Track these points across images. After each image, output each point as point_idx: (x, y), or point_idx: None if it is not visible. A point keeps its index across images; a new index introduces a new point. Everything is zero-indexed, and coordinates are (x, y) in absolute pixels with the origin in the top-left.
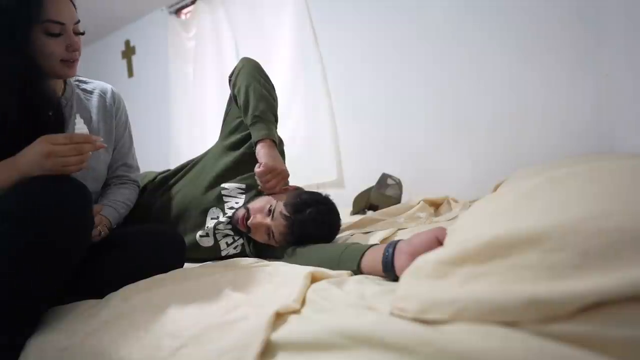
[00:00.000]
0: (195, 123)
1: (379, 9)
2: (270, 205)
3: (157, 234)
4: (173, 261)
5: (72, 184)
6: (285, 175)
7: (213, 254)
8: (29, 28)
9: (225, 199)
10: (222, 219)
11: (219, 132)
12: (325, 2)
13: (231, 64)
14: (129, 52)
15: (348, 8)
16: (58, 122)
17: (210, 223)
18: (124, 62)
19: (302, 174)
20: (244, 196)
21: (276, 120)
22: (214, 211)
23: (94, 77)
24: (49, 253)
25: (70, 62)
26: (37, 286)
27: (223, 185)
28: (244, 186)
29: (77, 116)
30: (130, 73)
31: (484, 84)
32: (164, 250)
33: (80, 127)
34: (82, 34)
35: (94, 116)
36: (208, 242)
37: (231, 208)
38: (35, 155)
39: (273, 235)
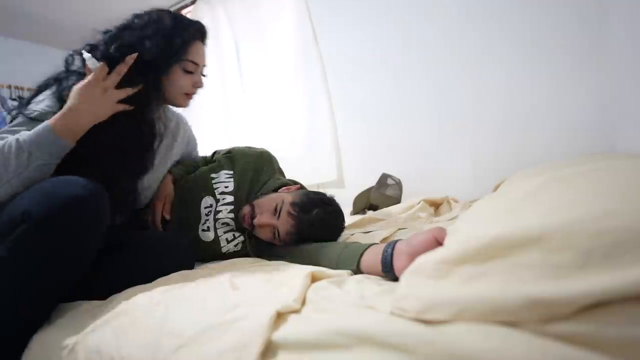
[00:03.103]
0: (194, 123)
1: (379, 9)
2: (277, 204)
3: (163, 240)
4: (179, 269)
5: (90, 186)
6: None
7: (213, 250)
8: (172, 63)
9: (215, 185)
10: (218, 207)
11: (218, 131)
12: (325, 2)
13: (231, 64)
14: None
15: (348, 8)
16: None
17: (204, 212)
18: None
19: (302, 174)
20: (232, 179)
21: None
22: (206, 200)
23: None
24: (66, 253)
25: (190, 97)
26: (52, 285)
27: (212, 175)
28: (231, 172)
29: (84, 52)
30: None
31: (484, 84)
32: (170, 256)
33: (92, 61)
34: (205, 76)
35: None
36: (208, 237)
37: (222, 193)
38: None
39: (278, 234)
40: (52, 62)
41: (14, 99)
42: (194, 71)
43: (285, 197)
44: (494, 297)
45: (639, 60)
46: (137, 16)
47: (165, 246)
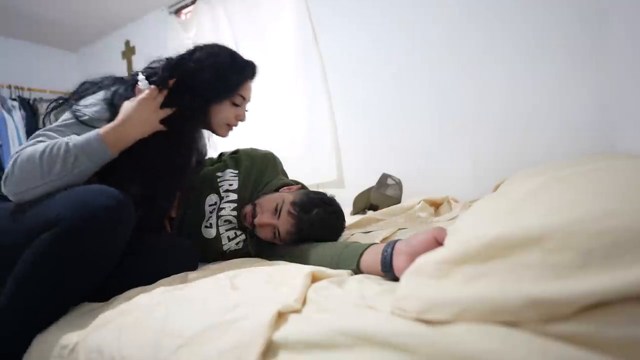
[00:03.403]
0: None
1: (379, 9)
2: (278, 204)
3: (167, 243)
4: (183, 271)
5: (119, 197)
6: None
7: (214, 247)
8: (224, 98)
9: (220, 183)
10: (222, 204)
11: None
12: (325, 2)
13: None
14: (129, 52)
15: (348, 8)
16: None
17: (208, 209)
18: (124, 62)
19: (302, 174)
20: (237, 178)
21: None
22: (211, 197)
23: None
24: (91, 259)
25: (230, 128)
26: (74, 288)
27: (217, 173)
28: (236, 171)
29: (140, 74)
30: (131, 73)
31: (484, 84)
32: (174, 260)
33: (143, 83)
34: (248, 110)
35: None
36: (210, 234)
37: (226, 191)
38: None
39: (279, 234)
40: (52, 62)
41: (14, 99)
42: (241, 104)
43: (285, 196)
44: (494, 297)
45: (638, 60)
46: (198, 48)
47: (170, 249)
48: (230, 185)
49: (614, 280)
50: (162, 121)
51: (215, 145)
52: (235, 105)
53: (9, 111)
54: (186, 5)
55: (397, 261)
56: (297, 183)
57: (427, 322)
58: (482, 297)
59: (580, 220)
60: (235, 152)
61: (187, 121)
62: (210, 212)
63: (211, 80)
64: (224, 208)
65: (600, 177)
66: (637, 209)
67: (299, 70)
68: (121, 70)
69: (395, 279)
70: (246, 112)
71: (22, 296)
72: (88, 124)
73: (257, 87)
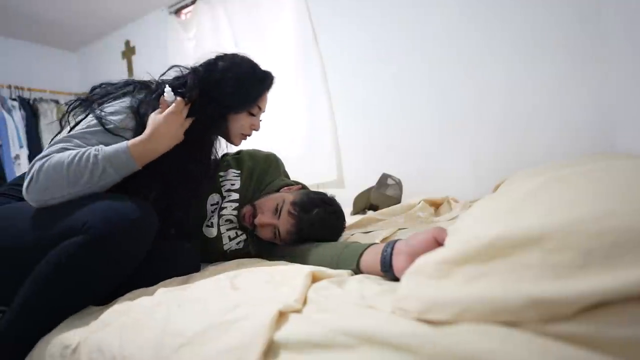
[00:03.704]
0: None
1: (379, 9)
2: (278, 204)
3: (171, 247)
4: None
5: (145, 209)
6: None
7: (215, 247)
8: (244, 109)
9: (222, 182)
10: (224, 204)
11: None
12: (325, 2)
13: None
14: (129, 52)
15: (348, 8)
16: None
17: (210, 209)
18: (124, 62)
19: (302, 174)
20: (239, 178)
21: None
22: (213, 197)
23: (94, 77)
24: (113, 266)
25: (245, 137)
26: (93, 293)
27: (220, 173)
28: (238, 171)
29: (167, 86)
30: (131, 73)
31: (484, 84)
32: (178, 265)
33: (169, 95)
34: (261, 121)
35: None
36: (212, 233)
37: (228, 190)
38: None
39: (279, 234)
40: (52, 62)
41: (14, 99)
42: (256, 114)
43: (286, 196)
44: (494, 297)
45: (637, 60)
46: (219, 58)
47: (173, 254)
48: (233, 185)
49: (615, 280)
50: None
51: (222, 148)
52: (252, 115)
53: (9, 111)
54: (186, 5)
55: (397, 261)
56: (297, 184)
57: (428, 322)
58: (482, 297)
59: (581, 220)
60: (238, 152)
61: (207, 130)
62: (212, 212)
63: (233, 91)
64: (225, 207)
65: (601, 177)
66: (637, 209)
67: (299, 70)
68: (121, 70)
69: (395, 279)
70: (260, 122)
71: (41, 296)
72: (114, 133)
73: None
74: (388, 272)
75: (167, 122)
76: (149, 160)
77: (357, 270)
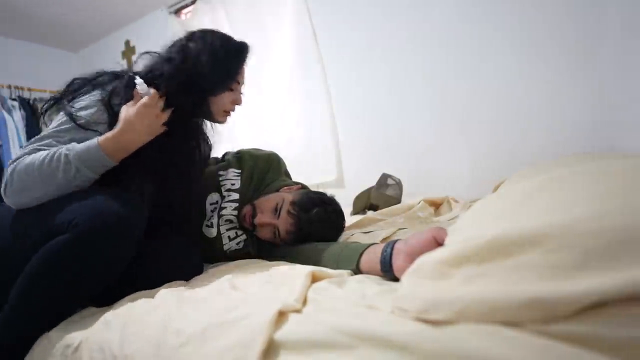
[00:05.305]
0: None
1: (379, 9)
2: (277, 204)
3: (173, 250)
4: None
5: (132, 204)
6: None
7: (215, 247)
8: (226, 87)
9: (222, 182)
10: (223, 204)
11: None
12: (325, 3)
13: None
14: (129, 52)
15: (348, 8)
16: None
17: (209, 208)
18: (124, 62)
19: (302, 174)
20: (239, 178)
21: None
22: (212, 196)
23: None
24: (100, 265)
25: (229, 114)
26: (80, 292)
27: (220, 172)
28: (239, 171)
29: (137, 77)
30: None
31: (484, 84)
32: (181, 268)
33: (142, 88)
34: (243, 93)
35: None
36: (211, 233)
37: (228, 190)
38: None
39: (279, 234)
40: (52, 62)
41: (14, 99)
42: (236, 89)
43: (285, 196)
44: (494, 297)
45: (636, 60)
46: (189, 39)
47: (175, 257)
48: (233, 184)
49: (614, 280)
50: (165, 122)
51: (218, 132)
52: (231, 90)
53: (9, 111)
54: (186, 5)
55: (397, 261)
56: (297, 184)
57: (427, 322)
58: (481, 297)
59: (579, 220)
60: (239, 152)
61: (189, 118)
62: (212, 212)
63: (211, 72)
64: (225, 207)
65: (599, 177)
66: (635, 209)
67: (299, 70)
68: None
69: (395, 279)
70: (242, 95)
71: (32, 296)
72: (86, 128)
73: (257, 87)
74: (388, 272)
75: (139, 115)
76: (124, 155)
77: (357, 270)
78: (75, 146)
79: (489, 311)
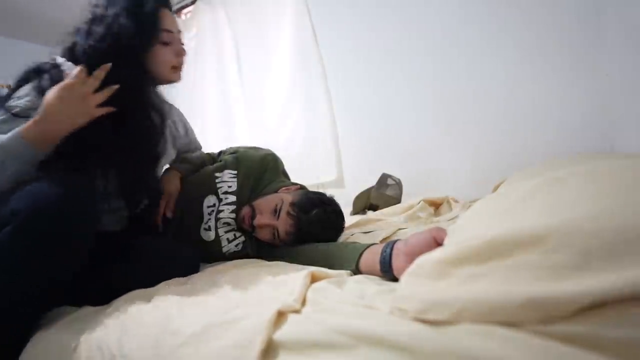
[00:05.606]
0: (195, 122)
1: (379, 9)
2: (277, 205)
3: (170, 250)
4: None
5: (78, 185)
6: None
7: (214, 250)
8: (150, 39)
9: (219, 184)
10: (221, 207)
11: (219, 131)
12: (325, 3)
13: (231, 64)
14: None
15: (348, 8)
16: (162, 128)
17: (207, 211)
18: None
19: (302, 174)
20: (235, 179)
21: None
22: (209, 199)
23: None
24: (52, 253)
25: (178, 69)
26: (39, 285)
27: (216, 174)
28: (235, 172)
29: (61, 59)
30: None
31: (484, 84)
32: (178, 268)
33: (66, 65)
34: (184, 44)
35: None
36: (209, 236)
37: (225, 193)
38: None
39: (278, 235)
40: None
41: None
42: (171, 41)
43: (284, 197)
44: (493, 297)
45: (636, 59)
46: (95, 5)
47: (172, 257)
48: (229, 187)
49: (613, 280)
50: (105, 103)
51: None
52: (166, 44)
53: None
54: (186, 5)
55: (396, 261)
56: (295, 184)
57: (427, 322)
58: (481, 298)
59: (579, 221)
60: (235, 151)
61: (133, 88)
62: (209, 214)
63: (129, 29)
64: (222, 210)
65: (599, 177)
66: (635, 209)
67: (299, 70)
68: None
69: (394, 279)
70: (183, 46)
71: None
72: (21, 116)
73: (257, 87)
74: (387, 272)
75: (60, 98)
76: (52, 143)
77: (357, 271)
78: (1, 137)
79: (488, 311)
